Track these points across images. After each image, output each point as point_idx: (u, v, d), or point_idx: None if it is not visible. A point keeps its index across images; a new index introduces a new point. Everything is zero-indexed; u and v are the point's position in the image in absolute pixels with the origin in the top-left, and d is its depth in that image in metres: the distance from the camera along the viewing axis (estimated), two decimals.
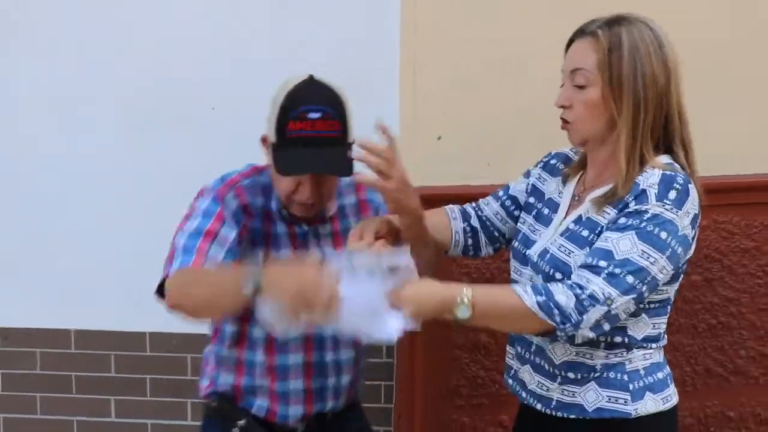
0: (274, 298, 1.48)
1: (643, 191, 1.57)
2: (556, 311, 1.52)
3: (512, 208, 1.86)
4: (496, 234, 1.87)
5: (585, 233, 1.64)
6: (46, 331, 2.76)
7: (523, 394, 1.78)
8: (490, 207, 1.88)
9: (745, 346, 2.61)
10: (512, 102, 2.46)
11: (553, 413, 1.70)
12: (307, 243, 1.82)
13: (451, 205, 1.89)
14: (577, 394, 1.68)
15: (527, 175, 1.87)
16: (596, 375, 1.67)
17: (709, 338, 2.59)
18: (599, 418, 1.66)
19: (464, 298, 1.51)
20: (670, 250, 1.56)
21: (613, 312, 1.54)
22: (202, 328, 1.98)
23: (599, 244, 1.58)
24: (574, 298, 1.52)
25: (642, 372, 1.67)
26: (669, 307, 1.71)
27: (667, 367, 1.75)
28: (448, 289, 1.54)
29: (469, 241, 1.86)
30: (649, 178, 1.58)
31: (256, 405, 1.85)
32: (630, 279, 1.54)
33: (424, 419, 2.57)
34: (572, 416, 1.68)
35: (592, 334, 1.56)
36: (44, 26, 2.61)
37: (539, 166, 1.86)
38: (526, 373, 1.77)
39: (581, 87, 1.62)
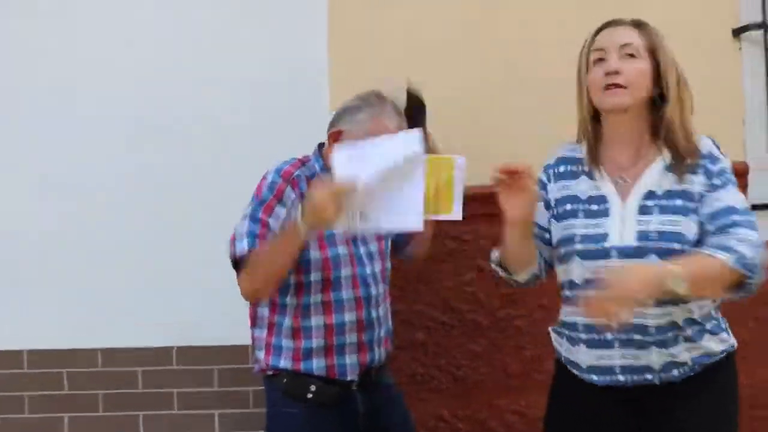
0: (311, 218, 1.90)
1: (711, 153, 1.88)
2: (751, 264, 1.72)
3: (547, 236, 2.02)
4: (548, 260, 2.04)
5: (680, 203, 1.85)
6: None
7: (620, 378, 1.88)
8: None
9: None
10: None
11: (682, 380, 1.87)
12: None
13: None
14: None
15: (545, 203, 2.00)
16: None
17: None
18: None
19: (678, 275, 1.68)
20: None
21: None
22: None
23: (716, 205, 1.83)
24: (754, 250, 1.74)
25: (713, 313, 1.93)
26: None
27: None
28: (663, 269, 1.71)
29: (542, 264, 2.03)
30: (703, 142, 1.90)
31: (315, 366, 2.15)
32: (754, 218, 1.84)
33: None
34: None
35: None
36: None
37: (552, 182, 2.01)
38: (618, 357, 1.87)
39: (631, 56, 1.88)
